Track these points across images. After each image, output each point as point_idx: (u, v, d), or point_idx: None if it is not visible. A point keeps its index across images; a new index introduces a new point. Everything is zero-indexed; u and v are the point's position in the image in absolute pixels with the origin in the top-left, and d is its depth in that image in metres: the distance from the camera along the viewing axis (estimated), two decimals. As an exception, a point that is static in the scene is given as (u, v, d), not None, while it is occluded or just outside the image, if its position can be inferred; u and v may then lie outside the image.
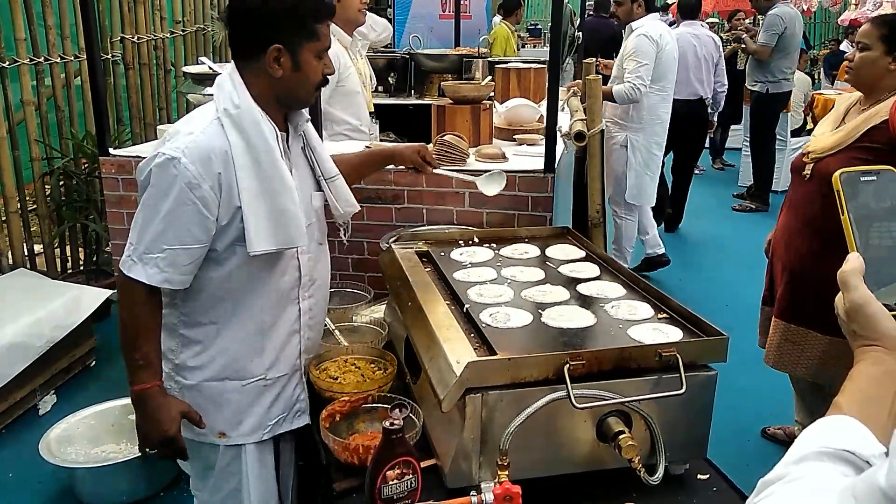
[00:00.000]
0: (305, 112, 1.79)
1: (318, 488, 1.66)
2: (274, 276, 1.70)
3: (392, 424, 1.31)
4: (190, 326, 1.70)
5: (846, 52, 8.21)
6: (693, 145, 5.78)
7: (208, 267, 1.65)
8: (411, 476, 1.34)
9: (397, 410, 1.37)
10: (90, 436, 2.81)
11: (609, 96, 4.22)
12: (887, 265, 0.85)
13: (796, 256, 2.56)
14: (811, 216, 2.51)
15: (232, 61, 1.67)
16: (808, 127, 7.26)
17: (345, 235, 1.97)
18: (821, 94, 7.69)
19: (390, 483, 1.32)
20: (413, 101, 4.35)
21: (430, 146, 2.72)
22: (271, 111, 1.65)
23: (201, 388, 1.72)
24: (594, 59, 4.08)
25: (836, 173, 0.88)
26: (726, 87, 5.91)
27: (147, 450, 1.67)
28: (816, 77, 10.49)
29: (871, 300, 0.81)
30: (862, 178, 0.88)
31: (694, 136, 5.65)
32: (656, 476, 1.39)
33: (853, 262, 0.83)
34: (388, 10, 7.34)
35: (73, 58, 4.17)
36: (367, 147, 2.66)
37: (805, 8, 9.54)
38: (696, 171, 8.26)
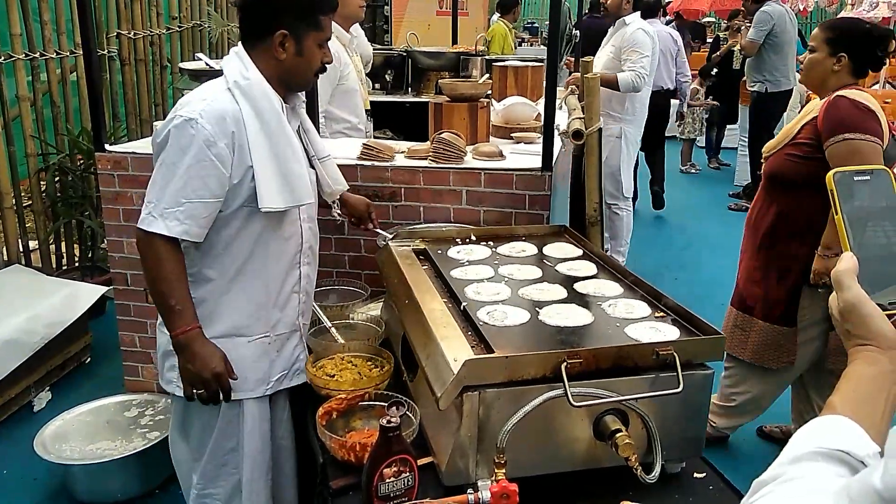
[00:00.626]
0: (302, 95, 1.96)
1: (315, 486, 1.65)
2: (279, 239, 1.84)
3: (389, 422, 1.31)
4: (200, 284, 1.80)
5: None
6: (659, 132, 6.24)
7: (218, 226, 1.76)
8: (408, 474, 1.34)
9: (394, 408, 1.37)
10: (85, 432, 2.80)
11: (612, 84, 4.25)
12: (881, 265, 0.85)
13: (744, 250, 2.80)
14: (753, 213, 2.72)
15: (239, 42, 1.82)
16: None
17: (338, 215, 2.19)
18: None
19: (387, 481, 1.32)
20: (410, 98, 4.34)
21: (428, 144, 2.72)
22: (274, 89, 1.80)
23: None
24: (571, 60, 4.13)
25: (830, 173, 0.88)
26: (689, 77, 6.45)
27: (195, 391, 1.75)
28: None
29: (864, 300, 0.81)
30: (855, 178, 0.88)
31: (660, 124, 6.09)
32: (653, 474, 1.39)
33: (847, 262, 0.83)
34: (386, 6, 7.33)
35: (68, 53, 4.15)
36: (363, 145, 2.66)
37: (801, 8, 9.55)
38: (693, 171, 8.28)
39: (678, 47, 6.07)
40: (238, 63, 1.78)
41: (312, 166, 1.96)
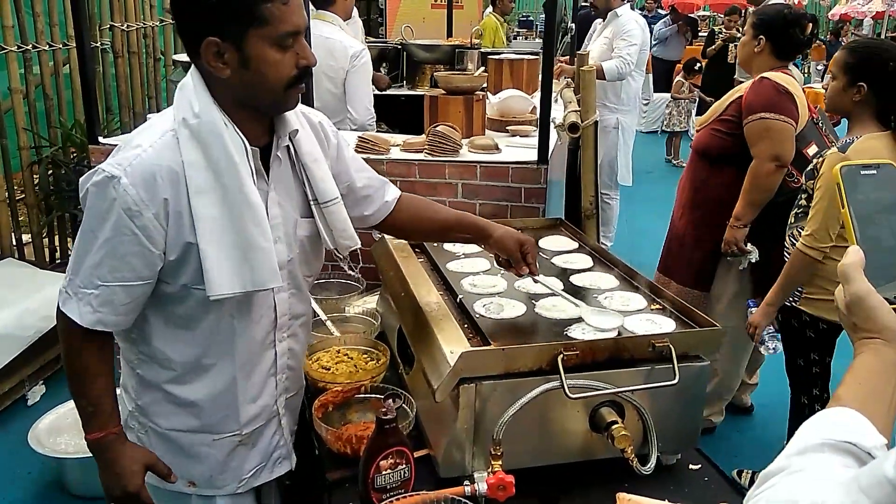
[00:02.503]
0: (291, 119, 1.43)
1: (312, 479, 1.65)
2: (245, 322, 1.44)
3: (385, 414, 1.31)
4: (148, 368, 1.47)
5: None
6: None
7: (163, 304, 1.40)
8: (404, 466, 1.34)
9: (390, 400, 1.37)
10: (79, 426, 2.77)
11: (598, 74, 4.37)
12: (887, 258, 0.85)
13: (671, 220, 3.00)
14: (680, 184, 2.93)
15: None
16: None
17: (350, 270, 1.72)
18: (811, 87, 7.72)
19: (383, 473, 1.32)
20: (405, 91, 4.32)
21: (423, 137, 2.71)
22: (241, 119, 1.35)
23: (166, 435, 1.51)
24: (565, 60, 4.25)
25: (837, 167, 0.88)
26: (647, 54, 7.40)
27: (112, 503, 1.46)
28: (806, 71, 10.53)
29: (871, 293, 0.81)
30: (862, 172, 0.88)
31: None
32: (648, 466, 1.39)
33: (853, 256, 0.83)
34: None
35: (61, 46, 4.12)
36: (359, 138, 2.65)
37: (795, 2, 9.57)
38: (675, 164, 8.35)
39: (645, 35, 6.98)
40: (191, 91, 1.34)
41: (311, 214, 1.50)
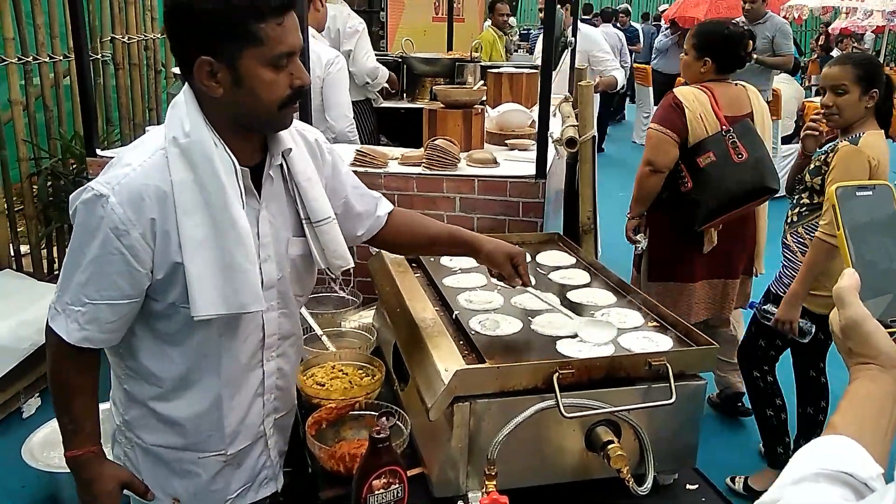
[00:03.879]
0: (285, 137, 1.42)
1: (305, 497, 1.63)
2: (231, 341, 1.43)
3: (379, 433, 1.29)
4: (134, 383, 1.47)
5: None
6: (615, 100, 9.70)
7: (151, 321, 1.40)
8: (398, 485, 1.33)
9: (384, 419, 1.35)
10: (74, 440, 2.77)
11: (612, 85, 4.89)
12: (881, 280, 0.84)
13: None
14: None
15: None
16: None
17: (341, 290, 1.70)
18: (811, 101, 7.73)
19: (376, 492, 1.30)
20: (405, 104, 4.33)
21: (421, 150, 2.71)
22: (233, 138, 1.35)
23: (151, 451, 1.50)
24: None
25: (832, 188, 0.87)
26: (629, 64, 9.69)
27: None
28: (806, 85, 10.55)
29: (867, 318, 0.80)
30: (857, 193, 0.88)
31: (613, 95, 8.82)
32: (645, 486, 1.38)
33: (849, 279, 0.82)
34: (382, 12, 7.33)
35: (62, 57, 4.13)
36: (357, 151, 2.65)
37: (796, 16, 9.61)
38: None
39: (622, 44, 8.96)
40: (182, 109, 1.33)
41: (303, 233, 1.49)
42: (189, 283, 1.31)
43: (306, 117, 2.50)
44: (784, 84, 7.17)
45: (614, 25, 10.29)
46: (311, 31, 3.26)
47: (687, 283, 2.98)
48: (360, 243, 1.67)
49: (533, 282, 1.69)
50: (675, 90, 2.90)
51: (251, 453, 1.55)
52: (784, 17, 9.69)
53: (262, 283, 1.41)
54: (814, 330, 2.56)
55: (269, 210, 1.44)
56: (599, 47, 5.40)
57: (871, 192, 0.87)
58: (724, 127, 2.79)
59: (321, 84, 3.17)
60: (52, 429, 2.77)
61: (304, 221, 1.48)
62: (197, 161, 1.31)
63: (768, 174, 2.80)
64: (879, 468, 0.69)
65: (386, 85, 4.14)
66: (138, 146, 1.38)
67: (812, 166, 2.57)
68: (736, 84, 2.99)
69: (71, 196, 1.36)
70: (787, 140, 7.23)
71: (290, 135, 1.44)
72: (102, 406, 1.47)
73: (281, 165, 1.44)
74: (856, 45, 12.01)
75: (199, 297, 1.31)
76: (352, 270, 2.63)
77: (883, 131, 2.50)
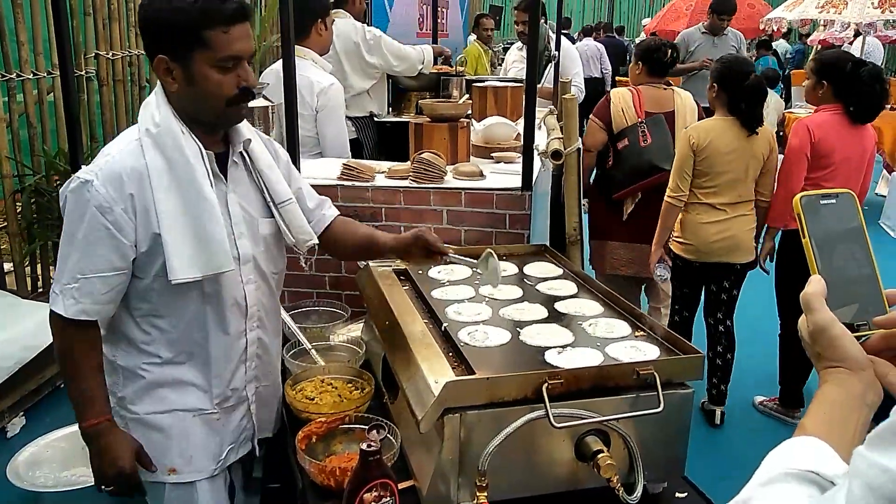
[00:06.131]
0: (244, 130, 1.64)
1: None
2: (218, 308, 1.61)
3: (369, 446, 1.29)
4: (128, 356, 1.62)
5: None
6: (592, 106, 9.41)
7: (142, 296, 1.57)
8: (389, 499, 1.33)
9: (374, 432, 1.35)
10: (60, 459, 2.74)
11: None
12: (847, 287, 0.86)
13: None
14: None
15: None
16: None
17: (306, 264, 1.91)
18: (792, 112, 7.84)
19: (367, 506, 1.30)
20: (391, 118, 4.35)
21: (408, 164, 2.72)
22: (197, 129, 1.56)
23: (147, 420, 1.63)
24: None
25: (797, 197, 0.89)
26: (609, 70, 10.84)
27: (103, 487, 1.60)
28: (784, 95, 10.69)
29: (833, 322, 0.81)
30: (822, 202, 0.90)
31: (596, 99, 9.20)
32: (635, 495, 1.38)
33: (815, 286, 0.84)
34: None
35: (45, 74, 4.12)
36: (343, 165, 2.65)
37: (775, 28, 9.75)
38: None
39: (601, 53, 10.71)
40: (153, 104, 1.54)
41: (272, 214, 1.69)
42: (166, 251, 1.48)
43: (293, 146, 2.48)
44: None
45: (595, 39, 11.80)
46: (312, 55, 3.20)
47: (609, 241, 3.73)
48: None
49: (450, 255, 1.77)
50: (613, 90, 3.72)
51: (236, 412, 1.72)
52: (763, 30, 9.87)
53: (240, 256, 1.62)
54: (667, 276, 3.37)
55: (236, 192, 1.63)
56: (573, 63, 5.49)
57: (834, 201, 0.90)
58: (639, 119, 3.54)
59: (313, 113, 3.08)
60: (37, 447, 2.74)
61: (270, 203, 1.68)
62: (167, 146, 1.50)
63: (664, 158, 3.40)
64: (845, 466, 0.70)
65: (440, 62, 4.33)
66: (117, 140, 1.58)
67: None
68: (666, 88, 3.69)
69: (60, 190, 1.54)
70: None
71: (248, 129, 1.66)
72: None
73: (242, 155, 1.64)
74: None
75: (175, 262, 1.48)
76: (338, 283, 2.64)
77: (733, 119, 3.16)
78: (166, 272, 1.49)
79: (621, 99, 3.61)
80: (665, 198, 3.22)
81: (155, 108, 1.53)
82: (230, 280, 1.60)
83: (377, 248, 1.83)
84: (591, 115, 3.68)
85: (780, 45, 13.43)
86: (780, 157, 3.31)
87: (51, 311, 1.54)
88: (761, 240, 3.36)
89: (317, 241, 1.78)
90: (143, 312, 1.59)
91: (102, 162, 1.50)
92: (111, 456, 1.56)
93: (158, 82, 1.55)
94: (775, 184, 3.26)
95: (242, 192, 1.64)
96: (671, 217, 3.24)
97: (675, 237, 3.30)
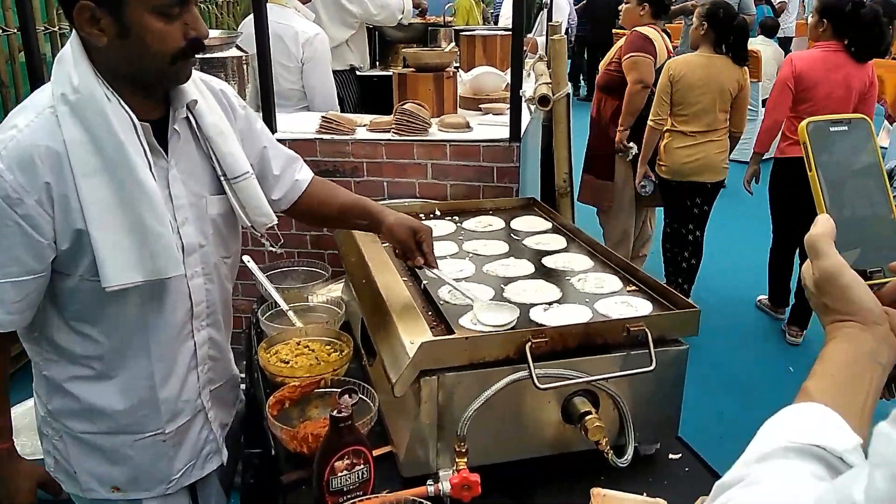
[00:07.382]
0: (189, 89, 1.31)
1: (268, 480, 1.55)
2: (157, 313, 1.34)
3: (340, 412, 1.21)
4: (55, 368, 1.36)
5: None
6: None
7: (63, 298, 1.29)
8: (362, 466, 1.24)
9: (346, 396, 1.27)
10: (35, 426, 2.67)
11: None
12: (859, 227, 0.75)
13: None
14: (591, 111, 4.12)
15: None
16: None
17: (272, 246, 1.66)
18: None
19: (339, 474, 1.22)
20: (378, 72, 4.20)
21: (391, 116, 2.59)
22: (128, 92, 1.23)
23: (83, 439, 1.40)
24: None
25: (803, 123, 0.77)
26: (576, 21, 10.12)
27: None
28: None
29: (843, 268, 0.69)
30: (831, 129, 0.78)
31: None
32: (625, 458, 1.31)
33: (823, 225, 0.72)
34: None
35: (15, 30, 3.95)
36: (322, 118, 2.53)
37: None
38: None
39: (570, 7, 9.80)
40: (68, 65, 1.20)
41: (223, 191, 1.39)
42: (96, 251, 1.20)
43: (268, 100, 2.36)
44: (763, 46, 7.07)
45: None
46: (295, 2, 3.10)
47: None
48: (277, 210, 1.55)
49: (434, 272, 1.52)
50: (637, 29, 3.75)
51: (192, 429, 1.48)
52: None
53: (183, 247, 1.33)
54: (651, 189, 3.82)
55: (179, 169, 1.33)
56: (559, 12, 5.64)
57: (846, 128, 0.78)
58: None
59: (299, 65, 2.99)
60: (14, 415, 2.65)
61: (221, 178, 1.38)
62: (90, 118, 1.19)
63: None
64: (857, 438, 0.60)
65: (415, 14, 4.29)
66: (24, 107, 1.24)
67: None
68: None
69: None
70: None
71: (194, 86, 1.33)
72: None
73: (188, 119, 1.33)
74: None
75: (109, 265, 1.21)
76: (320, 242, 2.54)
77: (711, 56, 3.57)
78: (92, 273, 1.23)
79: (656, 38, 3.75)
80: (647, 122, 3.64)
81: (72, 67, 1.20)
82: (174, 277, 1.31)
83: (371, 219, 1.55)
84: (636, 54, 3.68)
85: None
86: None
87: None
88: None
89: (276, 222, 1.47)
90: (73, 314, 1.32)
91: (7, 138, 1.18)
92: (8, 489, 1.37)
93: (73, 33, 1.22)
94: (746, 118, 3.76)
95: (187, 167, 1.35)
96: (653, 138, 3.69)
97: (658, 161, 3.76)
